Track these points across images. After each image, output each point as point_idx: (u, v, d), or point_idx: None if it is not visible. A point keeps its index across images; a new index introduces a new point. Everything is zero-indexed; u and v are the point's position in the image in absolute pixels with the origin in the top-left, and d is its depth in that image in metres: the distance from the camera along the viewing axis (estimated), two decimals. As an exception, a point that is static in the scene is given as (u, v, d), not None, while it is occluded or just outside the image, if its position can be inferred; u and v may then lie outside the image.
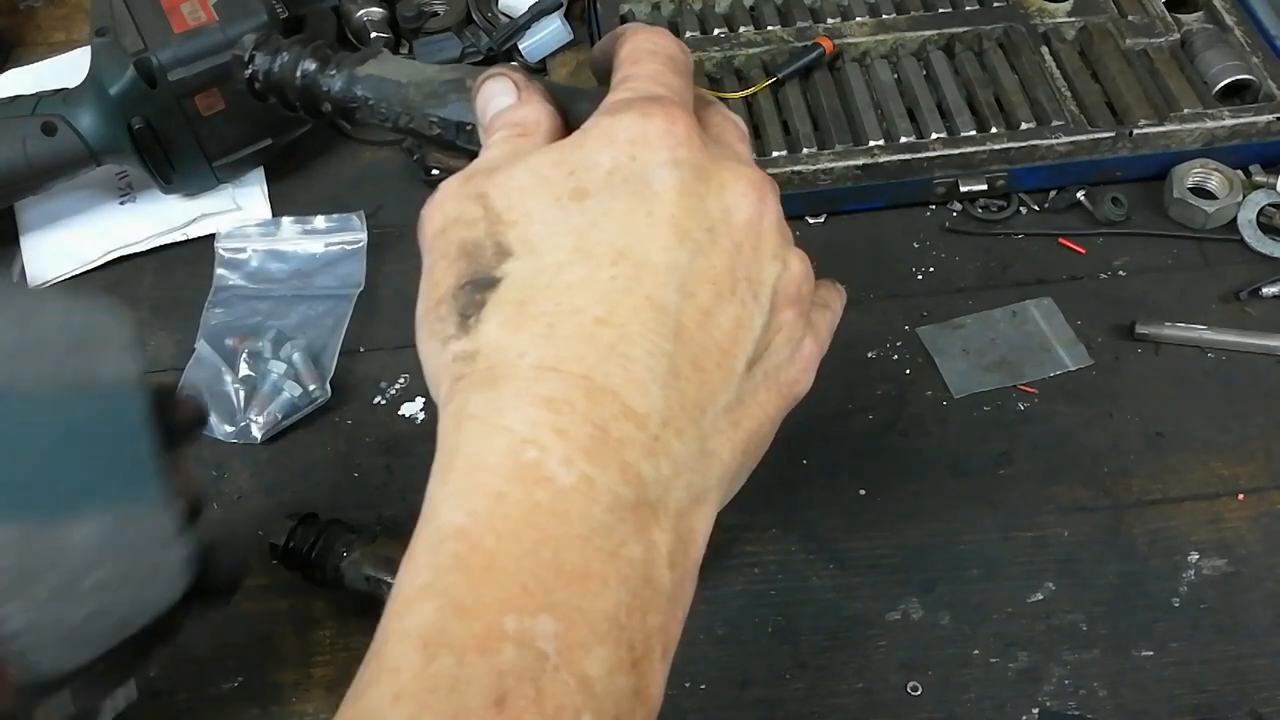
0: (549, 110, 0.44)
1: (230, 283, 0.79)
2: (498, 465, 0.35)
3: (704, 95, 0.46)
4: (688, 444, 0.37)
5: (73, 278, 0.81)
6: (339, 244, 0.81)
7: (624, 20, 0.90)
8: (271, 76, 0.50)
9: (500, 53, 0.89)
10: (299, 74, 0.50)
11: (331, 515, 0.64)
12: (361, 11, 0.90)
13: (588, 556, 0.34)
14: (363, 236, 0.81)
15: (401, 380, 0.74)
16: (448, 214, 0.40)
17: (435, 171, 0.84)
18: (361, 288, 0.79)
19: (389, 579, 0.61)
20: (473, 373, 0.37)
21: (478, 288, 0.38)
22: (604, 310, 0.37)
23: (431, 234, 0.41)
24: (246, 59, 0.51)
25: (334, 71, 0.49)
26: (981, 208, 0.82)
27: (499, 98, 0.44)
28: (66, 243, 0.82)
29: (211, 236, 0.82)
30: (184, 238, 0.83)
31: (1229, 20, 0.87)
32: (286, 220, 0.82)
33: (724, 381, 0.38)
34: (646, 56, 0.43)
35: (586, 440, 0.35)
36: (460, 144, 0.47)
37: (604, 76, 0.46)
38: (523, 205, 0.39)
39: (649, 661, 0.35)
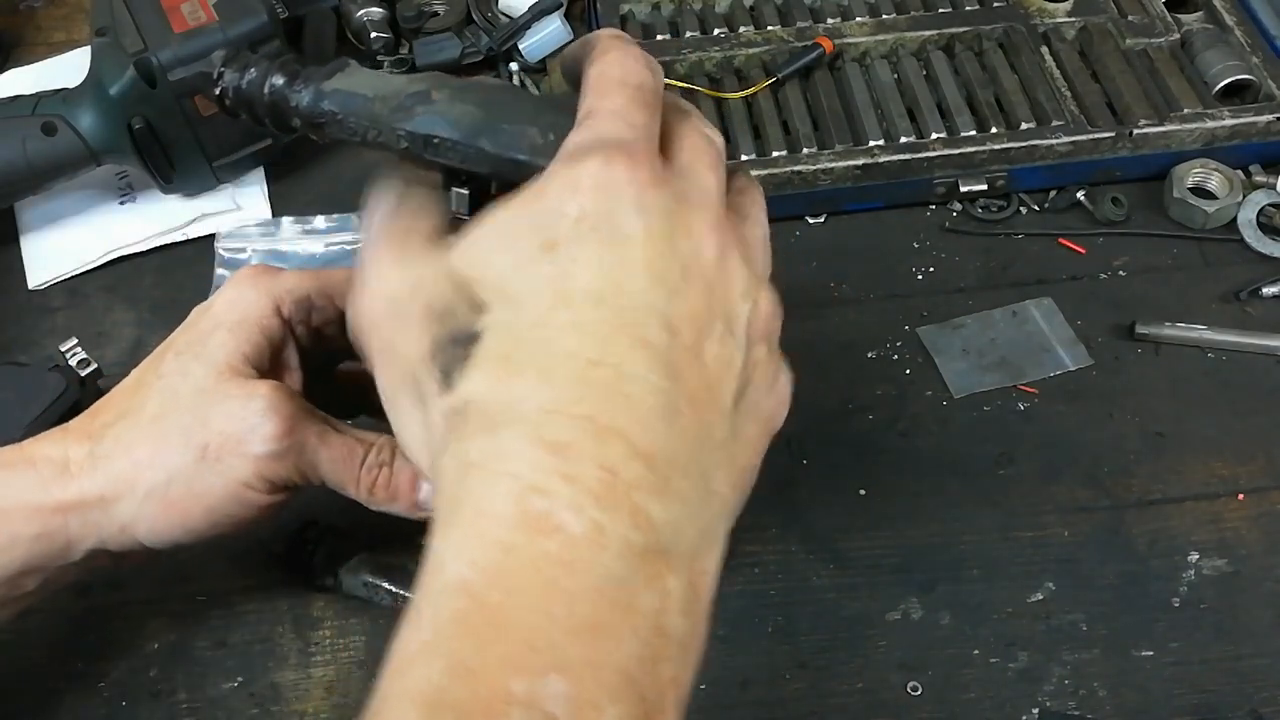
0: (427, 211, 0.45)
1: (230, 283, 0.79)
2: (503, 514, 0.34)
3: (679, 106, 0.45)
4: (694, 483, 0.36)
5: (73, 278, 0.81)
6: (339, 244, 0.81)
7: (624, 21, 0.90)
8: (240, 92, 0.50)
9: (500, 53, 0.89)
10: (266, 89, 0.49)
11: (332, 521, 0.64)
12: (361, 11, 0.90)
13: (599, 609, 0.33)
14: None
15: (401, 380, 0.74)
16: (399, 294, 0.40)
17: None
18: (361, 288, 0.79)
19: (388, 585, 0.62)
20: (464, 423, 0.36)
21: (459, 343, 0.38)
22: (596, 353, 0.36)
23: (379, 317, 0.41)
24: (215, 75, 0.50)
25: (301, 86, 0.49)
26: (981, 208, 0.82)
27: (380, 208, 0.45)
28: (66, 243, 0.82)
29: (211, 236, 0.82)
30: (184, 238, 0.83)
31: (1229, 20, 0.87)
32: (286, 220, 0.82)
33: (718, 417, 0.38)
34: (614, 88, 0.42)
35: (596, 484, 0.34)
36: (428, 157, 0.47)
37: (573, 81, 0.45)
38: (491, 264, 0.39)
39: (662, 714, 0.34)
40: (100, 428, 0.52)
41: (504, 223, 0.39)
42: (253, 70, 0.50)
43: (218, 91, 0.50)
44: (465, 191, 0.49)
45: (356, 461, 0.52)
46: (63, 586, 0.54)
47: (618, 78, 0.42)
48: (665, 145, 0.42)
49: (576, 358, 0.36)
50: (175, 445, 0.51)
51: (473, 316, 0.38)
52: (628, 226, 0.38)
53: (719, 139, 0.44)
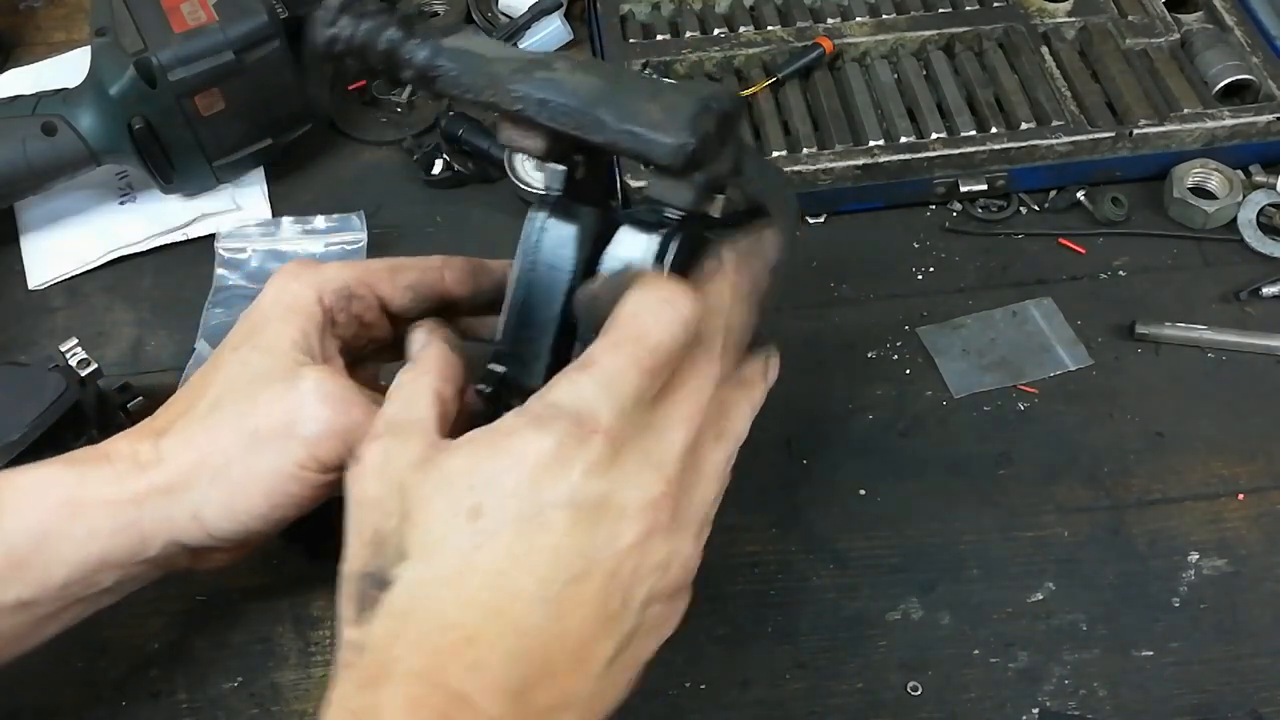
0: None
1: (230, 283, 0.79)
2: None
3: (704, 337, 0.47)
4: None
5: (73, 278, 0.81)
6: (339, 244, 0.81)
7: (624, 21, 0.90)
8: (354, 40, 0.51)
9: (500, 53, 0.89)
10: (383, 40, 0.51)
11: (339, 494, 0.63)
12: (361, 11, 0.89)
13: None
14: (363, 236, 0.81)
15: (401, 380, 0.74)
16: (369, 493, 0.45)
17: (454, 164, 0.84)
18: (361, 288, 0.79)
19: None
20: (358, 664, 0.43)
21: (374, 583, 0.43)
22: (473, 630, 0.42)
23: (358, 497, 0.46)
24: (331, 19, 0.51)
25: (418, 40, 0.50)
26: (981, 208, 0.82)
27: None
28: (66, 243, 0.82)
29: (211, 236, 0.82)
30: (184, 238, 0.83)
31: (1229, 20, 0.87)
32: (286, 220, 0.82)
33: (581, 683, 0.43)
34: (628, 342, 0.44)
35: None
36: (542, 120, 0.48)
37: (591, 321, 0.47)
38: (427, 511, 0.43)
39: None
40: (164, 425, 0.54)
41: (450, 473, 0.44)
42: (368, 20, 0.51)
43: (328, 35, 0.51)
44: (562, 168, 0.51)
45: None
46: (140, 586, 0.55)
47: (637, 331, 0.44)
48: (667, 381, 0.45)
49: (455, 632, 0.42)
50: (230, 430, 0.52)
51: (394, 559, 0.43)
52: (551, 515, 0.42)
53: (714, 373, 0.47)
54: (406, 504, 0.44)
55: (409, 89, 0.90)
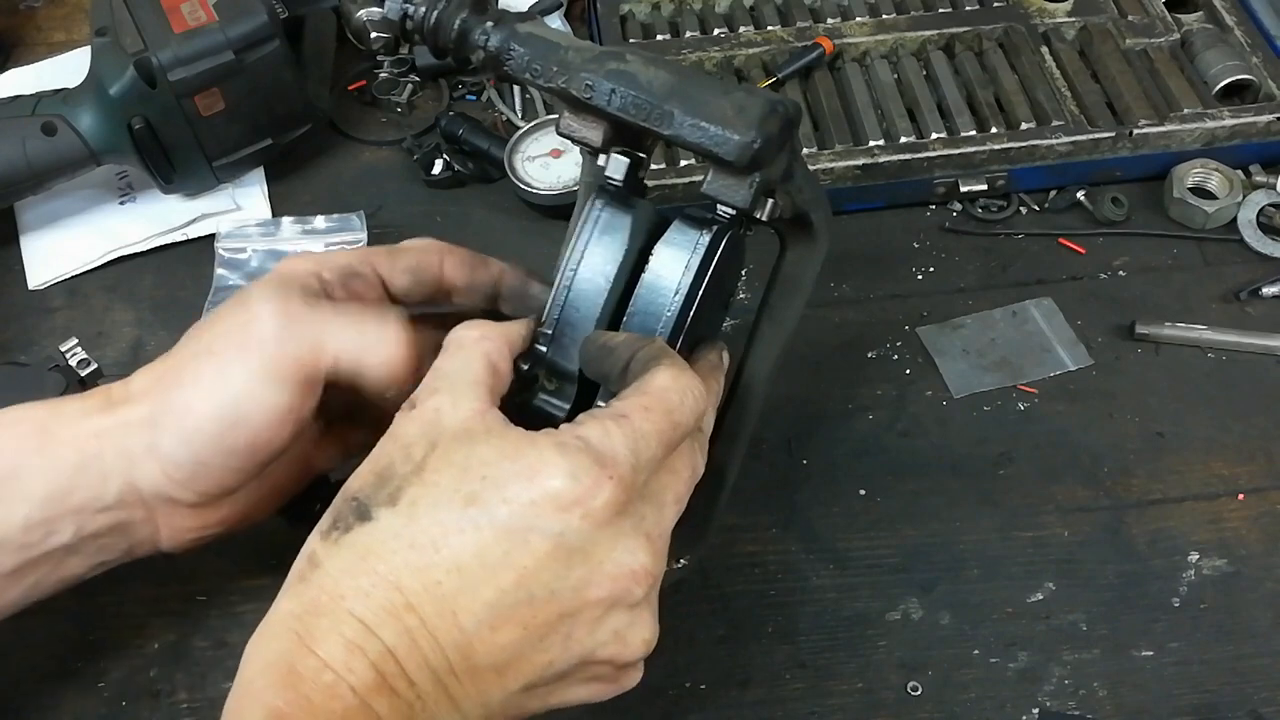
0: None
1: (230, 283, 0.79)
2: (309, 678, 0.43)
3: (702, 430, 0.50)
4: (445, 711, 0.45)
5: (73, 278, 0.81)
6: (339, 244, 0.81)
7: (624, 21, 0.90)
8: (428, 18, 0.52)
9: (500, 53, 0.89)
10: (457, 22, 0.52)
11: (342, 476, 0.63)
12: (361, 11, 0.89)
13: None
14: (363, 236, 0.81)
15: (401, 380, 0.74)
16: (405, 432, 0.47)
17: (454, 164, 0.84)
18: (361, 288, 0.79)
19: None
20: (310, 581, 0.45)
21: (357, 511, 0.45)
22: (416, 601, 0.44)
23: (394, 432, 0.47)
24: None
25: (492, 24, 0.52)
26: (981, 208, 0.82)
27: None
28: (66, 243, 0.82)
29: (211, 236, 0.82)
30: (184, 238, 0.83)
31: (1229, 20, 0.87)
32: (286, 220, 0.82)
33: (494, 691, 0.45)
34: (661, 411, 0.46)
35: (370, 678, 0.43)
36: (610, 110, 0.49)
37: (605, 368, 0.49)
38: (437, 476, 0.45)
39: None
40: (144, 369, 0.55)
41: (474, 453, 0.45)
42: (444, 2, 0.52)
43: (403, 11, 0.52)
44: (625, 160, 0.52)
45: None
46: (104, 557, 0.55)
47: (673, 403, 0.46)
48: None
49: (400, 594, 0.44)
50: (187, 354, 0.53)
51: (384, 500, 0.45)
52: (535, 539, 0.44)
53: (703, 461, 0.50)
54: (427, 460, 0.45)
55: (409, 89, 0.90)
